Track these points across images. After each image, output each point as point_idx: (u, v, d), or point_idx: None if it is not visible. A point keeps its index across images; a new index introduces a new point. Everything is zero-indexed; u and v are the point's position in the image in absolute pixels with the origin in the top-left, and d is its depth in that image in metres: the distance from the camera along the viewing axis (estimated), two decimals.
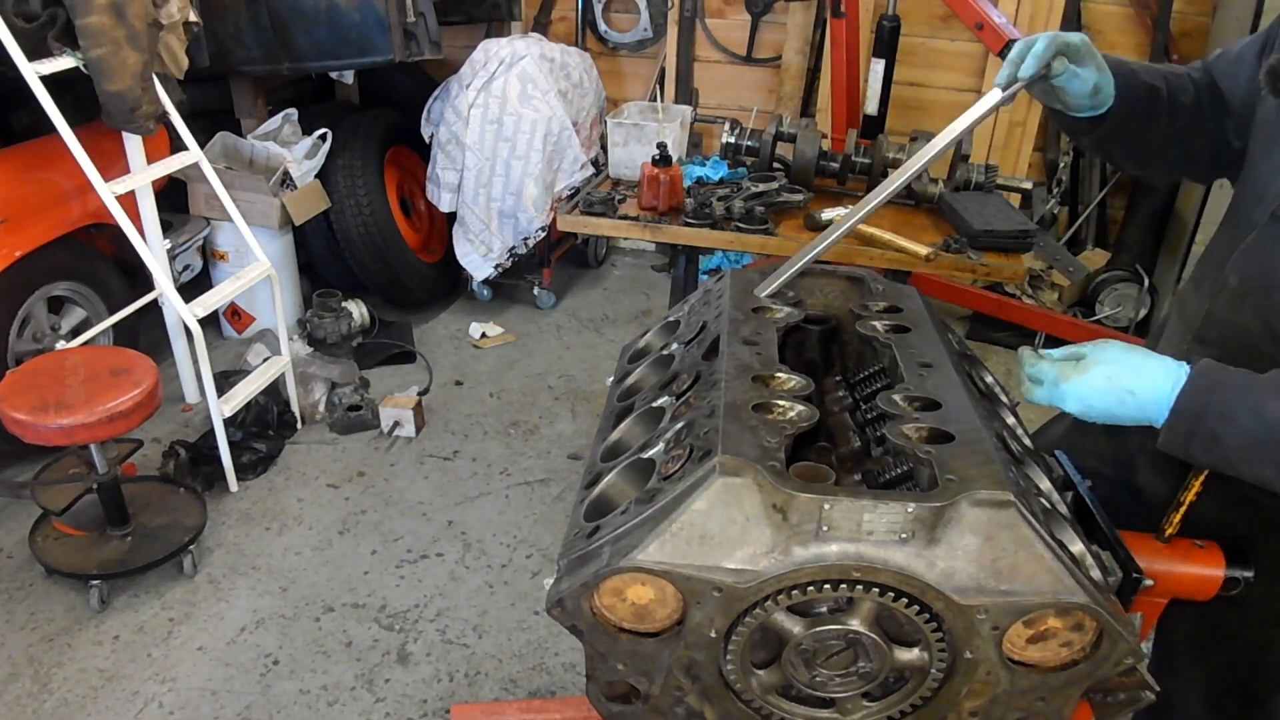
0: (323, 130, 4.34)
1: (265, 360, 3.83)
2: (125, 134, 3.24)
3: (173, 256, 3.80)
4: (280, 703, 2.63)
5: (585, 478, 1.33)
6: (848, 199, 3.23)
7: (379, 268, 4.52)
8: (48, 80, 2.91)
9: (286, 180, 4.18)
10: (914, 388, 1.27)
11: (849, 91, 4.03)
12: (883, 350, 1.41)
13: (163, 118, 3.27)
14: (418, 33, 3.98)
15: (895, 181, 1.56)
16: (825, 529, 1.04)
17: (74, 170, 3.00)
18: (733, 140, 3.36)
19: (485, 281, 4.82)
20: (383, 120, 4.70)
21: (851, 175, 3.27)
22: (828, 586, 1.05)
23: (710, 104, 5.24)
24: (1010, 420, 1.41)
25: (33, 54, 2.90)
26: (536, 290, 4.96)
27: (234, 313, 4.42)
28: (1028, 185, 3.35)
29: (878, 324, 1.45)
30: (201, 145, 3.54)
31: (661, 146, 3.12)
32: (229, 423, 3.40)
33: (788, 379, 1.28)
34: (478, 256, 4.61)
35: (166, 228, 3.71)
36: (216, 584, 3.05)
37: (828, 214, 2.98)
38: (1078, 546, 1.18)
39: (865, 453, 1.33)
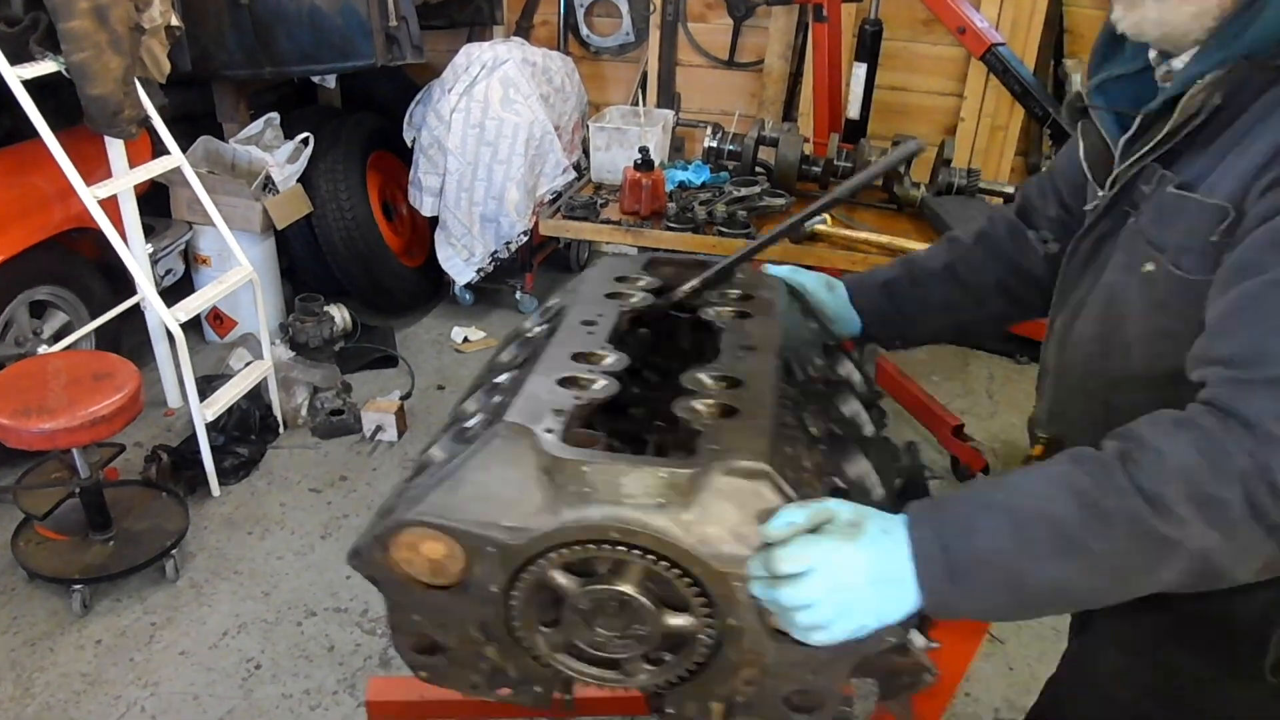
0: (305, 134, 4.34)
1: (247, 364, 3.82)
2: (107, 138, 3.23)
3: (155, 261, 3.79)
4: (262, 707, 2.63)
5: (424, 446, 1.37)
6: None
7: (361, 272, 4.52)
8: (30, 84, 2.90)
9: (268, 184, 4.18)
10: (724, 367, 1.28)
11: (831, 96, 4.06)
12: (718, 334, 1.42)
13: (145, 122, 3.27)
14: (400, 37, 3.99)
15: (809, 211, 1.57)
16: (587, 491, 1.08)
17: (56, 174, 2.99)
18: (715, 144, 3.38)
19: (467, 286, 4.81)
20: (365, 124, 4.70)
21: (834, 179, 3.29)
22: (593, 546, 1.08)
23: (692, 108, 5.25)
24: (849, 410, 1.39)
25: (15, 58, 2.89)
26: (519, 294, 4.96)
27: (216, 317, 4.42)
28: (1010, 189, 3.36)
29: (721, 309, 1.46)
30: (183, 149, 3.53)
31: (644, 151, 3.13)
32: (211, 427, 3.40)
33: (605, 356, 1.31)
34: (460, 261, 4.61)
35: (148, 232, 3.70)
36: (199, 588, 3.04)
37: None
38: None
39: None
